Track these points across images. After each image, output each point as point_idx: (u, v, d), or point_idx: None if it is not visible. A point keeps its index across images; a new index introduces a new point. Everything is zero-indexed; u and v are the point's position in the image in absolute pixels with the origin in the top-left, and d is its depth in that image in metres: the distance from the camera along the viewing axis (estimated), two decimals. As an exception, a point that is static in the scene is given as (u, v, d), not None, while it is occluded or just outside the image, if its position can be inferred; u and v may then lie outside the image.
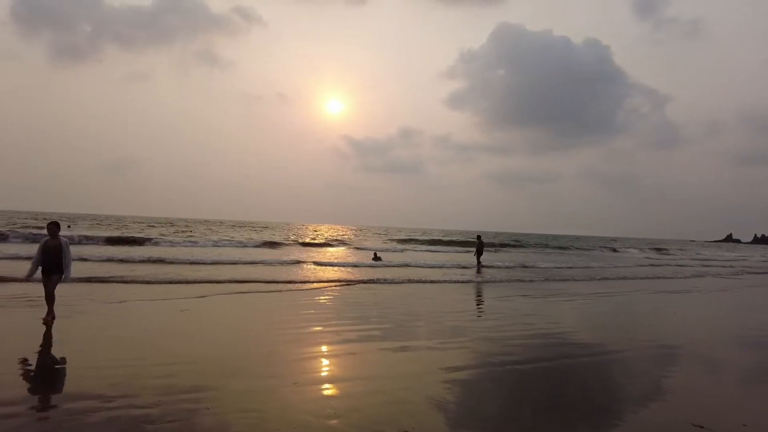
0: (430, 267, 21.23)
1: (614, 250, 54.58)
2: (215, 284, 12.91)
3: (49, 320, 7.59)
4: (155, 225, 60.29)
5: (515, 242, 61.43)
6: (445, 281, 16.32)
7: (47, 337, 6.85)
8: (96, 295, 10.37)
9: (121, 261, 17.57)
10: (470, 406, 4.76)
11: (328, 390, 5.06)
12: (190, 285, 12.64)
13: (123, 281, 12.58)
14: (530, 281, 17.70)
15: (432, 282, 15.91)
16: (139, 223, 65.94)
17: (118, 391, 4.66)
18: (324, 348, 6.87)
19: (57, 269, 7.73)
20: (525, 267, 23.94)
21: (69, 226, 49.78)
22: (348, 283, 14.84)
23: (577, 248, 53.02)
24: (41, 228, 38.43)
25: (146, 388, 4.78)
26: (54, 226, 7.91)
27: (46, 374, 5.19)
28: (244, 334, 7.57)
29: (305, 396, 4.82)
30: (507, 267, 23.42)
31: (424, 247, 40.01)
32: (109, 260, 17.57)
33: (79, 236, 28.61)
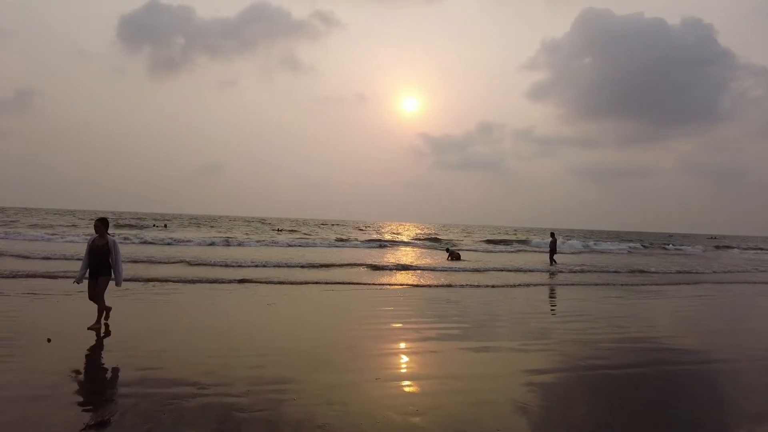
0: (512, 268, 20.62)
1: (716, 248, 50.04)
2: (299, 275, 13.42)
3: (96, 327, 6.93)
4: (250, 223, 63.81)
5: (605, 241, 58.20)
6: (526, 282, 15.78)
7: (150, 327, 7.45)
8: (192, 292, 11.15)
9: (208, 264, 18.77)
10: (557, 410, 4.53)
11: (410, 387, 5.04)
12: (273, 272, 13.23)
13: (218, 281, 13.42)
14: (622, 283, 16.63)
15: (513, 282, 15.44)
16: (233, 221, 70.15)
17: (212, 380, 4.95)
18: (404, 345, 6.87)
19: (104, 270, 7.16)
20: (616, 267, 22.55)
21: (165, 225, 54.05)
22: (425, 281, 14.79)
23: (674, 246, 49.17)
24: (135, 228, 41.95)
25: (237, 378, 5.04)
26: (100, 224, 7.30)
27: (151, 360, 5.62)
28: (325, 329, 7.77)
29: (387, 392, 4.85)
30: (595, 267, 22.18)
31: (502, 246, 38.99)
32: (203, 264, 18.83)
33: (179, 238, 30.87)
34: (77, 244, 23.82)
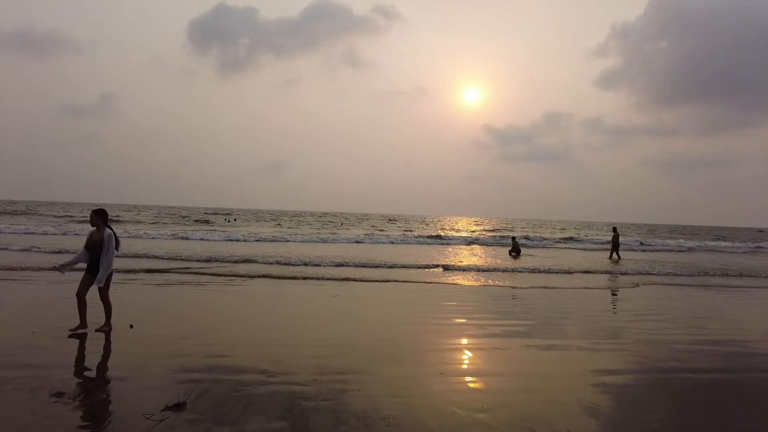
0: (578, 266, 19.79)
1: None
2: (361, 271, 13.60)
3: (106, 329, 6.37)
4: (314, 218, 65.49)
5: (682, 236, 54.69)
6: (594, 279, 15.09)
7: (221, 317, 7.80)
8: (259, 285, 11.58)
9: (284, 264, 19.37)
10: (631, 413, 4.27)
11: (475, 383, 4.95)
12: (336, 269, 13.48)
13: (293, 277, 13.86)
14: (704, 282, 15.52)
15: (579, 279, 14.81)
16: (297, 216, 72.32)
17: (279, 368, 5.10)
18: (467, 341, 6.76)
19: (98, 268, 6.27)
20: (697, 265, 21.08)
21: (235, 219, 56.44)
22: (488, 277, 14.52)
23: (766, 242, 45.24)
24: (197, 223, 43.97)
25: (303, 367, 5.16)
26: (96, 215, 6.36)
27: (222, 348, 5.88)
28: (387, 322, 7.80)
29: (452, 387, 4.78)
30: (672, 265, 20.84)
31: (570, 243, 37.51)
32: (277, 263, 19.50)
33: (250, 233, 32.20)
34: (159, 239, 25.43)
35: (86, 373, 4.77)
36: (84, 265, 6.45)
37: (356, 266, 15.63)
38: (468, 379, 5.09)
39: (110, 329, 6.40)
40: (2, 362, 4.98)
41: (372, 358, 5.66)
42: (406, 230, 47.74)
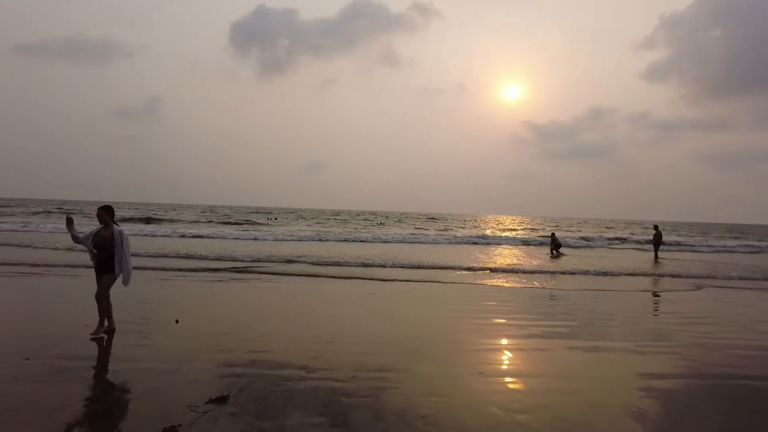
0: (623, 267, 19.12)
1: None
2: (400, 271, 13.60)
3: (100, 333, 6.02)
4: (350, 216, 66.05)
5: (739, 235, 52.07)
6: (639, 280, 14.54)
7: (262, 313, 7.96)
8: (298, 283, 11.77)
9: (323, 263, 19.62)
10: (681, 420, 4.09)
11: (515, 384, 4.86)
12: (379, 270, 13.53)
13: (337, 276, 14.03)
14: (764, 286, 14.71)
15: (624, 279, 14.31)
16: (336, 215, 73.08)
17: (319, 364, 5.16)
18: (507, 341, 6.65)
19: (110, 267, 6.04)
20: (757, 266, 19.99)
21: (276, 218, 57.56)
22: (528, 277, 14.24)
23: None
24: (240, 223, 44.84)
25: (342, 364, 5.21)
26: (104, 212, 6.09)
27: (262, 344, 6.01)
28: (425, 321, 7.76)
29: (491, 387, 4.72)
30: (727, 266, 19.83)
31: (614, 242, 36.30)
32: (316, 263, 19.76)
33: (290, 233, 32.75)
34: (206, 239, 26.25)
35: (135, 365, 4.97)
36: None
37: (395, 267, 15.64)
38: (507, 379, 5.00)
39: (106, 333, 6.11)
40: (60, 353, 5.26)
41: (410, 356, 5.65)
42: (446, 229, 47.28)
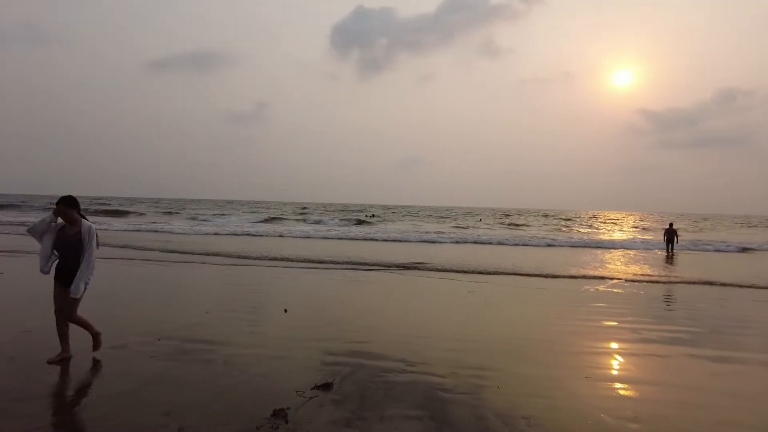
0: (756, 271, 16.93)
1: None
2: (497, 269, 13.28)
3: (55, 360, 4.75)
4: (447, 213, 65.75)
5: None
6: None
7: (363, 306, 8.20)
8: (398, 278, 11.95)
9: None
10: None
11: (626, 390, 4.52)
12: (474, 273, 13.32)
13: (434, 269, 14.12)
14: None
15: (759, 281, 12.66)
16: (436, 211, 73.11)
17: (417, 358, 5.20)
18: (618, 345, 6.20)
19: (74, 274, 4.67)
20: None
21: (372, 216, 58.35)
22: (643, 276, 13.14)
23: None
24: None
25: (440, 359, 5.20)
26: (66, 206, 4.70)
27: (363, 335, 6.19)
28: (526, 320, 7.48)
29: (598, 392, 4.43)
30: None
31: (752, 242, 32.22)
32: (416, 265, 19.91)
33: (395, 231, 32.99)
34: (322, 240, 27.57)
35: (248, 351, 5.37)
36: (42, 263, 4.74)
37: (500, 273, 15.28)
38: (617, 385, 4.66)
39: (66, 359, 4.84)
40: (183, 335, 5.84)
41: (510, 356, 5.49)
42: (561, 227, 44.30)
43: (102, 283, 9.86)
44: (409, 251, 19.44)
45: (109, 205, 62.86)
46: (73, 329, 4.87)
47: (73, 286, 4.65)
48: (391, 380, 4.53)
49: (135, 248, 16.59)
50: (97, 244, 4.86)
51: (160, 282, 10.20)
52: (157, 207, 65.96)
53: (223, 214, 50.97)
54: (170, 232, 26.10)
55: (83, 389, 4.09)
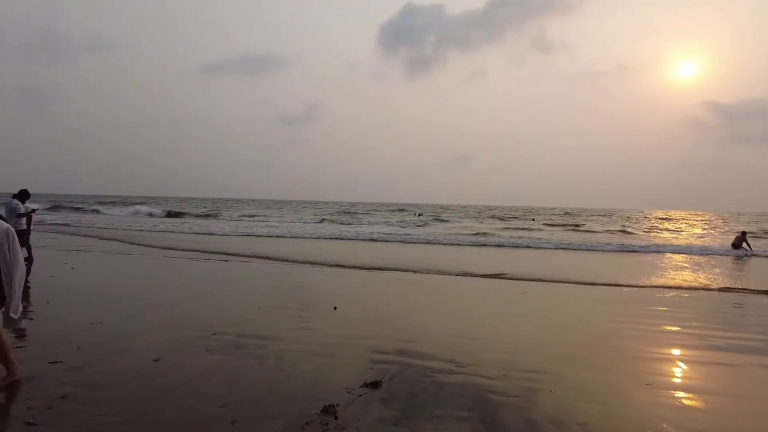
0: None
1: None
2: (553, 273, 12.89)
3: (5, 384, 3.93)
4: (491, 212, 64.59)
5: None
6: None
7: (411, 304, 8.17)
8: (448, 281, 11.84)
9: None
10: None
11: (691, 400, 4.26)
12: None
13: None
14: None
15: None
16: (487, 210, 72.08)
17: (467, 359, 5.12)
18: (681, 351, 5.86)
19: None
20: None
21: (421, 214, 57.87)
22: (709, 281, 12.38)
23: None
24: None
25: (490, 361, 5.10)
26: None
27: (411, 334, 6.15)
28: (583, 324, 7.20)
29: (660, 400, 4.20)
30: None
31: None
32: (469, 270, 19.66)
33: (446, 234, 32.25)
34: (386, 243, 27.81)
35: (298, 346, 5.46)
36: None
37: (568, 282, 14.82)
38: (681, 394, 4.40)
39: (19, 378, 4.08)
40: (237, 330, 6.01)
41: (563, 359, 5.30)
42: (625, 228, 41.09)
43: (161, 278, 10.33)
44: (471, 256, 19.25)
45: (165, 204, 65.91)
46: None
47: (11, 307, 3.86)
48: (439, 380, 4.48)
49: (200, 250, 17.30)
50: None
51: (216, 278, 10.56)
52: (210, 208, 68.51)
53: (266, 216, 51.81)
54: (226, 235, 27.03)
55: (144, 379, 4.29)
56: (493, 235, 29.31)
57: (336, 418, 3.61)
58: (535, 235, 31.16)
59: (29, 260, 11.10)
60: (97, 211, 47.03)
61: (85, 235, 21.19)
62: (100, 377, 4.30)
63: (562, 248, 21.76)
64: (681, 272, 13.98)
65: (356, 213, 60.59)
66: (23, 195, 11.13)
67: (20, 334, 5.68)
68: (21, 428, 3.31)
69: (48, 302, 7.30)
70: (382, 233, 27.82)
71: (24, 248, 10.66)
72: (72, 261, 12.19)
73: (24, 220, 11.15)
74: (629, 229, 40.19)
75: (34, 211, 11.73)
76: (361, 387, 4.23)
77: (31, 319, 6.32)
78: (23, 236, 10.84)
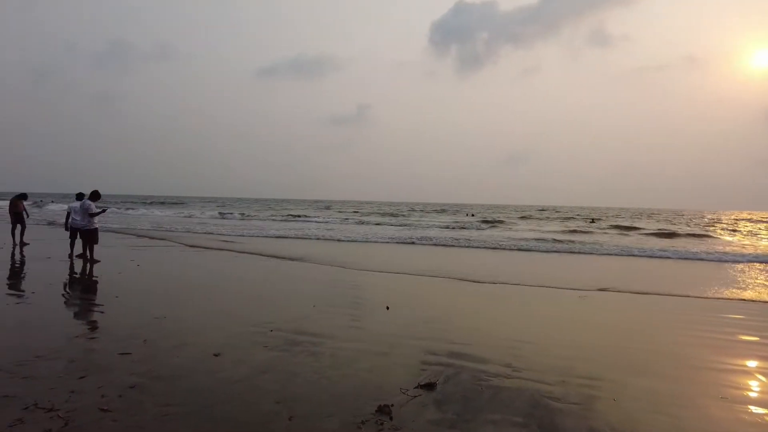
0: None
1: None
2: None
3: None
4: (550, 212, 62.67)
5: None
6: None
7: (465, 306, 8.05)
8: (501, 286, 11.59)
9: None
10: None
11: (772, 416, 3.94)
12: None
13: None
14: None
15: None
16: (543, 210, 70.15)
17: (523, 364, 4.98)
18: (759, 363, 5.44)
19: None
20: None
21: (473, 215, 57.33)
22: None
23: None
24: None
25: (548, 366, 4.93)
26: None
27: (465, 337, 6.06)
28: (648, 331, 6.83)
29: (739, 416, 3.90)
30: None
31: None
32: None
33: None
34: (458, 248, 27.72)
35: (352, 345, 5.50)
36: None
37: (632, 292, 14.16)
38: (762, 411, 4.08)
39: None
40: (294, 328, 6.13)
41: (628, 367, 5.05)
42: (706, 232, 36.72)
43: (221, 276, 10.73)
44: (549, 265, 18.84)
45: (223, 205, 68.19)
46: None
47: None
48: (495, 384, 4.38)
49: (258, 253, 17.85)
50: None
51: (274, 277, 10.84)
52: (264, 208, 70.46)
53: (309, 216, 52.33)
54: (279, 237, 27.68)
55: (205, 373, 4.45)
56: (564, 242, 23.71)
57: (391, 418, 3.60)
58: (601, 239, 27.96)
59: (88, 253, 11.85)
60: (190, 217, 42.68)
61: (160, 238, 22.40)
62: (164, 370, 4.50)
63: (658, 257, 18.92)
64: (759, 281, 13.02)
65: (407, 213, 59.91)
66: (94, 196, 11.91)
67: (93, 326, 6.06)
68: (97, 414, 3.52)
69: (117, 297, 7.75)
70: (442, 238, 24.82)
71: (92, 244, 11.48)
72: (138, 258, 12.89)
73: (96, 219, 11.93)
74: (711, 233, 35.83)
75: (105, 210, 12.61)
76: (415, 388, 4.20)
77: (102, 312, 6.73)
78: (95, 234, 11.65)
